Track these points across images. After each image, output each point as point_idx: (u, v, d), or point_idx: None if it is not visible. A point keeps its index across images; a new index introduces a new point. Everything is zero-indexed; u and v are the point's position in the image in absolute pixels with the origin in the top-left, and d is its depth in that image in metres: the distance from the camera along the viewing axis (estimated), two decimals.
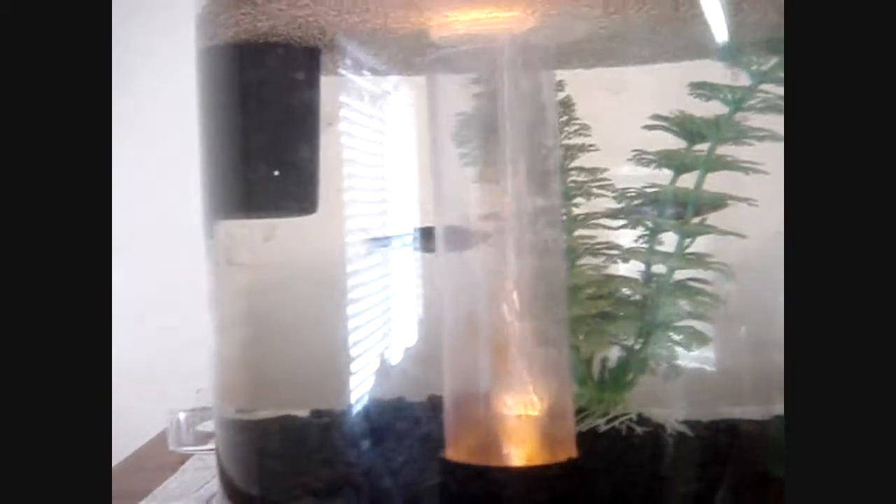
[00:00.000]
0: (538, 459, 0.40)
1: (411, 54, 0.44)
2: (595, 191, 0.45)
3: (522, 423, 0.40)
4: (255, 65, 0.44)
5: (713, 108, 0.43)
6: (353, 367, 0.43)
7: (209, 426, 0.65)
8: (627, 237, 0.45)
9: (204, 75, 0.47)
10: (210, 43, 0.46)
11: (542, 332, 0.41)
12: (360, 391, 0.43)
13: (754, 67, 0.43)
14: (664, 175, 0.44)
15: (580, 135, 0.45)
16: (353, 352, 0.43)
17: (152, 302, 0.88)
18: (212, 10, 0.45)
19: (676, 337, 0.43)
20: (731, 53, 0.43)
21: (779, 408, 0.42)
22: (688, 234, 0.44)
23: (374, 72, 0.45)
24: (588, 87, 0.46)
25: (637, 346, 0.44)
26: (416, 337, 0.44)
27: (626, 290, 0.45)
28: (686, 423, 0.42)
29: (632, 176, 0.44)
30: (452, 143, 0.42)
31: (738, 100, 0.43)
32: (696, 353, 0.43)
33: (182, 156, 0.52)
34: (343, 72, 0.44)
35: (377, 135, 0.45)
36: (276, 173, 0.45)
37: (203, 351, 0.49)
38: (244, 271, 0.49)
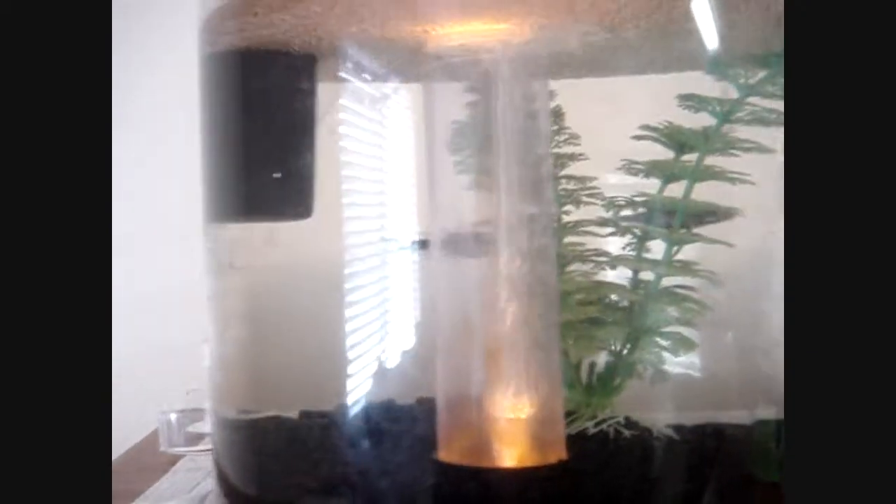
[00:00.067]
0: (529, 461, 0.40)
1: (408, 64, 0.45)
2: (585, 199, 0.45)
3: (514, 426, 0.41)
4: (255, 72, 0.45)
5: (702, 120, 0.44)
6: (349, 369, 0.44)
7: (200, 427, 0.66)
8: (616, 244, 0.45)
9: (205, 81, 0.47)
10: (212, 49, 0.46)
11: (533, 336, 0.41)
12: (357, 393, 0.44)
13: (742, 81, 0.43)
14: (653, 184, 0.44)
15: (570, 144, 0.45)
16: (349, 354, 0.44)
17: (146, 302, 0.88)
18: (217, 16, 0.45)
19: (663, 342, 0.44)
20: (721, 67, 0.44)
21: (763, 412, 0.43)
22: (675, 241, 0.44)
23: (372, 79, 0.45)
24: (578, 97, 0.46)
25: (625, 351, 0.45)
26: (411, 340, 0.44)
27: (614, 297, 0.46)
28: (673, 426, 0.43)
29: (621, 185, 0.45)
30: (447, 151, 0.42)
31: (727, 112, 0.43)
32: (682, 358, 0.43)
33: (182, 156, 0.53)
34: (342, 76, 0.45)
35: (375, 139, 0.46)
36: (274, 177, 0.45)
37: (195, 352, 0.49)
38: (244, 274, 0.49)
